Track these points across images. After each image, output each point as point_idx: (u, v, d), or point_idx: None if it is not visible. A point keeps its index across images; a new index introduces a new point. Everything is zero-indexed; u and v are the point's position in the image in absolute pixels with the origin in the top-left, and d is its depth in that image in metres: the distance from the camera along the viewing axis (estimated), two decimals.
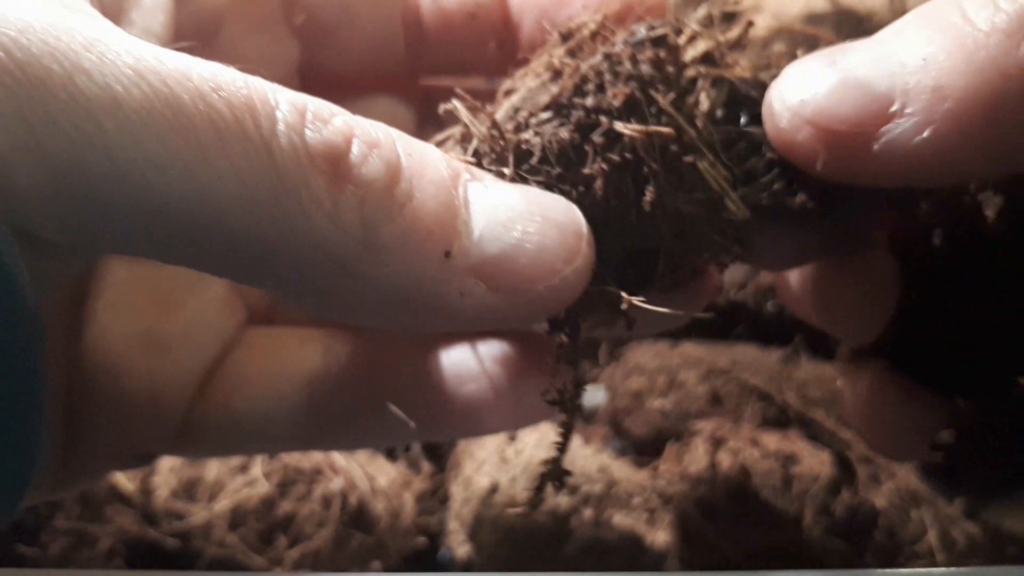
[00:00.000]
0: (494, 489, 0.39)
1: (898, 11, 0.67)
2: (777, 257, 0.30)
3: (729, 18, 0.26)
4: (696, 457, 0.42)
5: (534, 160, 0.24)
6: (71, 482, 0.28)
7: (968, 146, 0.21)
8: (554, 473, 0.26)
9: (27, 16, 0.17)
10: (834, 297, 0.30)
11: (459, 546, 0.41)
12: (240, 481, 0.41)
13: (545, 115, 0.24)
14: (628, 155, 0.23)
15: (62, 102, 0.17)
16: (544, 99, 0.24)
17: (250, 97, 0.19)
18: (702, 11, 0.26)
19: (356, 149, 0.20)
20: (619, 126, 0.23)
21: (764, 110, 0.24)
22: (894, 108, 0.21)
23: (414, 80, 0.32)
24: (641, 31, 0.24)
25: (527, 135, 0.24)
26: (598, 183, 0.23)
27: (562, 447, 0.26)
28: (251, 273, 0.20)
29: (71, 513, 0.40)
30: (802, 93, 0.23)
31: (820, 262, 0.30)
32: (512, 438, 0.42)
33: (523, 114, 0.24)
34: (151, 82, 0.17)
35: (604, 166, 0.23)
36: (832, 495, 0.40)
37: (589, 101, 0.23)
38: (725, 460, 0.41)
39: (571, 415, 0.25)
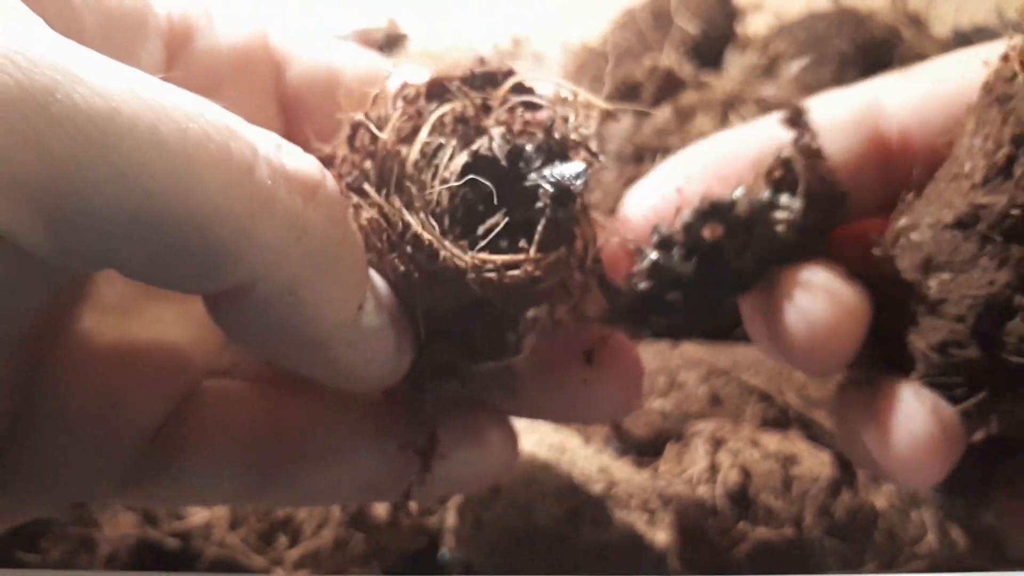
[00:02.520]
0: (495, 490, 0.39)
1: (899, 11, 0.67)
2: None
3: (492, 80, 0.27)
4: (696, 458, 0.42)
5: None
6: None
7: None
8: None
9: (29, 36, 0.18)
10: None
11: (459, 547, 0.41)
12: None
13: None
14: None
15: (66, 108, 0.17)
16: None
17: (230, 126, 0.20)
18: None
19: (328, 182, 0.22)
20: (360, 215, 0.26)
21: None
22: None
23: None
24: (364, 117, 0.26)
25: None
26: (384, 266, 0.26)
27: (408, 494, 0.29)
28: (207, 284, 0.21)
29: (73, 517, 0.40)
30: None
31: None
32: None
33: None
34: (146, 99, 0.18)
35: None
36: (832, 496, 0.40)
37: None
38: (725, 461, 0.41)
39: (427, 464, 0.28)
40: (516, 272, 0.25)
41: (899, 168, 0.29)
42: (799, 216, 0.28)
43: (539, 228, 0.25)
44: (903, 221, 0.28)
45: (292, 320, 0.22)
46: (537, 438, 0.42)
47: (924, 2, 0.69)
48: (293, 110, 0.31)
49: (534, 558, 0.39)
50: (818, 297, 0.27)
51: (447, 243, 0.24)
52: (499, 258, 0.25)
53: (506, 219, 0.25)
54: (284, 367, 0.26)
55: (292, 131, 0.31)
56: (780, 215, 0.28)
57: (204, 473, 0.29)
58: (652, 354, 0.48)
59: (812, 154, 0.28)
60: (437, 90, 0.26)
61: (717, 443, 0.42)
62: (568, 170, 0.25)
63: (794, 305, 0.27)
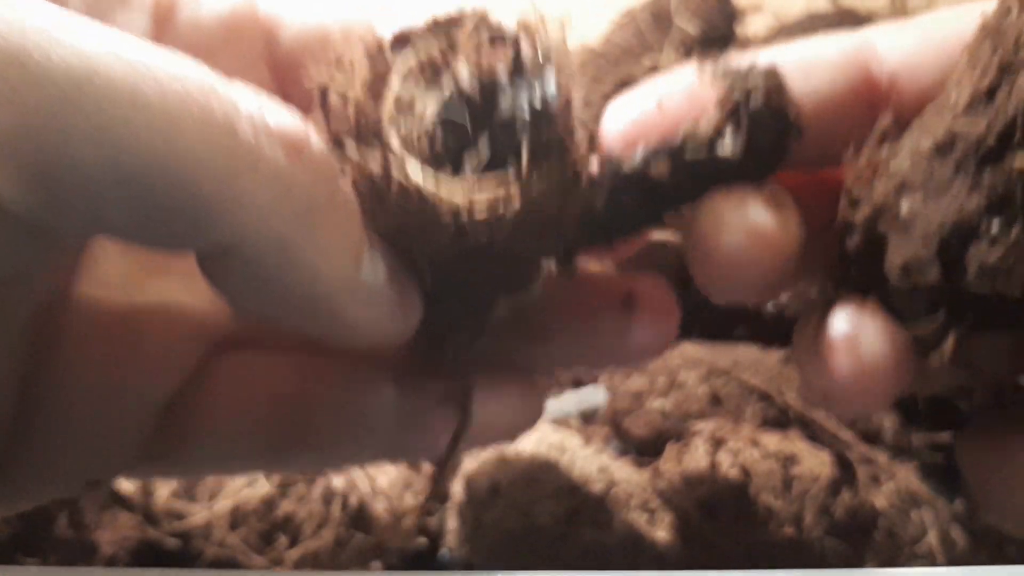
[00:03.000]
0: (494, 490, 0.39)
1: (899, 11, 0.67)
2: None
3: (456, 23, 0.27)
4: (696, 457, 0.42)
5: None
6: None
7: None
8: (437, 492, 0.28)
9: (8, 1, 0.18)
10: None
11: (459, 546, 0.41)
12: (240, 481, 0.41)
13: None
14: None
15: (42, 67, 0.18)
16: None
17: (213, 85, 0.20)
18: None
19: (313, 139, 0.22)
20: None
21: None
22: None
23: None
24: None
25: None
26: None
27: (453, 448, 0.28)
28: (195, 242, 0.21)
29: (73, 520, 0.40)
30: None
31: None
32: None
33: None
34: (126, 59, 0.19)
35: None
36: (832, 496, 0.40)
37: None
38: (725, 460, 0.41)
39: (467, 415, 0.28)
40: (509, 200, 0.24)
41: (887, 112, 0.29)
42: (739, 155, 0.28)
43: (523, 152, 0.24)
44: (885, 151, 0.28)
45: (284, 279, 0.22)
46: (537, 438, 0.42)
47: (924, 3, 0.69)
48: (287, 75, 0.30)
49: (534, 558, 0.39)
50: (731, 223, 0.27)
51: (433, 184, 0.24)
52: (489, 188, 0.24)
53: (490, 154, 0.24)
54: (288, 330, 0.25)
55: (287, 97, 0.31)
56: (722, 152, 0.28)
57: (223, 442, 0.29)
58: None
59: (774, 88, 0.28)
60: (402, 40, 0.26)
61: (717, 443, 0.42)
62: (541, 89, 0.25)
63: (706, 229, 0.27)
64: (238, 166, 0.20)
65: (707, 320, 0.50)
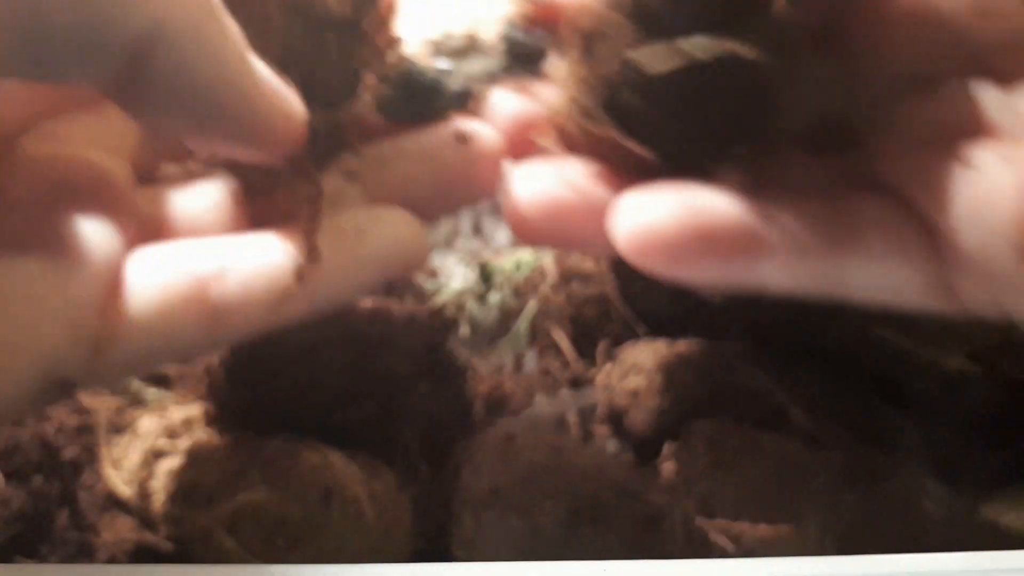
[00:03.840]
0: (494, 490, 0.39)
1: None
2: None
3: None
4: (695, 456, 0.42)
5: None
6: None
7: None
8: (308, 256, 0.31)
9: None
10: None
11: (459, 547, 0.41)
12: (238, 484, 0.41)
13: None
14: None
15: None
16: None
17: None
18: None
19: None
20: None
21: None
22: None
23: None
24: None
25: None
26: None
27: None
28: (121, 27, 0.23)
29: (72, 522, 0.40)
30: None
31: None
32: (511, 438, 0.42)
33: None
34: None
35: None
36: (832, 494, 0.40)
37: None
38: (724, 459, 0.41)
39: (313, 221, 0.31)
40: None
41: None
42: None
43: None
44: None
45: (201, 64, 0.25)
46: (536, 437, 0.42)
47: None
48: None
49: (534, 558, 0.39)
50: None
51: None
52: None
53: None
54: (205, 139, 0.28)
55: None
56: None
57: (163, 324, 0.31)
58: (650, 352, 0.48)
59: None
60: None
61: (716, 442, 0.42)
62: None
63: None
64: None
65: (705, 319, 0.50)
